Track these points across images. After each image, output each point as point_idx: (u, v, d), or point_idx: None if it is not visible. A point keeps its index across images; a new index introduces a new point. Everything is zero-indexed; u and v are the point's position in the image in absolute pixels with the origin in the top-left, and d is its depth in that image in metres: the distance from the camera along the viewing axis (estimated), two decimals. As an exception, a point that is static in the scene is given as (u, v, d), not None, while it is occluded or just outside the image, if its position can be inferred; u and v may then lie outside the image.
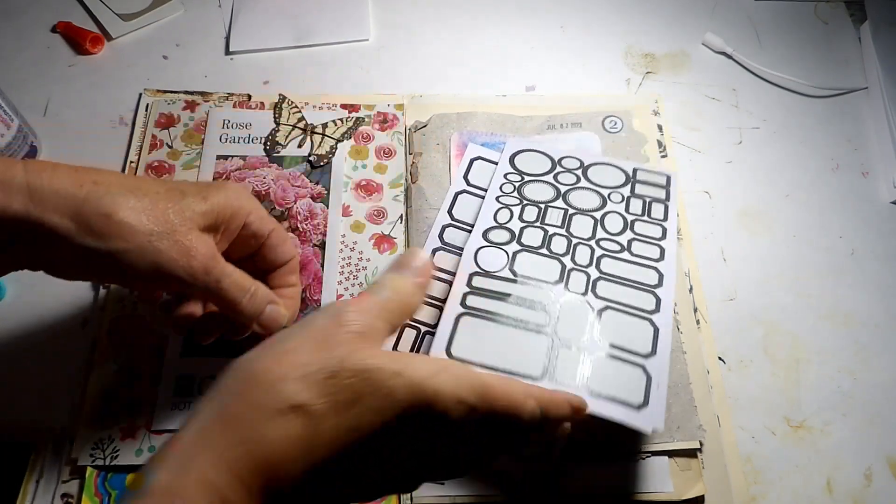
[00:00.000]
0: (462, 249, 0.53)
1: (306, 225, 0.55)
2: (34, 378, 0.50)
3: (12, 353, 0.51)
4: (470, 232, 0.54)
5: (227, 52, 0.66)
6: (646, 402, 0.43)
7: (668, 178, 0.55)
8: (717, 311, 0.54)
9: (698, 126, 0.63)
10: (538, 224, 0.51)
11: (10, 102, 0.56)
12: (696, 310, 0.53)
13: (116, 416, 0.47)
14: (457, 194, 0.56)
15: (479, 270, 0.48)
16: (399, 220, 0.56)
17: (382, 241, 0.55)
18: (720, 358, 0.53)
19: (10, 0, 0.68)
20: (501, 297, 0.47)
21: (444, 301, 0.51)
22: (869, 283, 0.56)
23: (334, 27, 0.67)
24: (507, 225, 0.51)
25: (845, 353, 0.53)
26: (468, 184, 0.57)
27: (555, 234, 0.50)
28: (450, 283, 0.52)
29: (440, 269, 0.53)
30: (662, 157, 0.60)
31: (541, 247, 0.50)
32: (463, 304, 0.47)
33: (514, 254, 0.49)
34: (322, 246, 0.54)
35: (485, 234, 0.51)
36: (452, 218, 0.55)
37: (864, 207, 0.60)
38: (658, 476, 0.46)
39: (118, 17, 0.67)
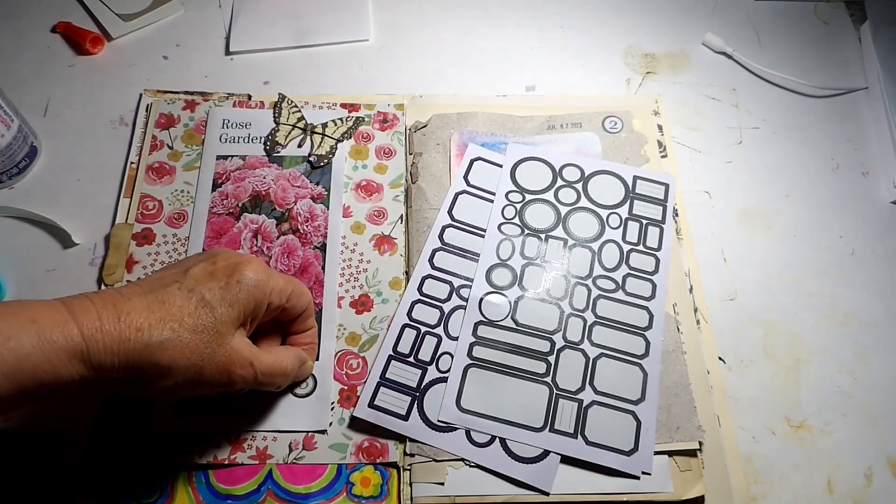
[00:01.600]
0: (462, 250, 0.54)
1: (307, 227, 0.55)
2: (35, 379, 0.50)
3: (13, 353, 0.51)
4: (470, 233, 0.55)
5: (227, 52, 0.66)
6: (636, 447, 0.47)
7: (667, 188, 0.57)
8: (717, 311, 0.54)
9: (698, 126, 0.63)
10: (539, 262, 0.53)
11: (10, 102, 0.56)
12: (696, 310, 0.53)
13: (119, 418, 0.47)
14: (457, 195, 0.56)
15: (483, 319, 0.51)
16: (399, 221, 0.56)
17: (383, 241, 0.55)
18: (720, 358, 0.53)
19: (10, 0, 0.68)
20: (504, 347, 0.50)
21: (444, 301, 0.52)
22: (869, 283, 0.56)
23: (334, 27, 0.67)
24: (509, 262, 0.53)
25: (845, 353, 0.53)
26: (468, 184, 0.57)
27: (554, 274, 0.53)
28: (450, 284, 0.52)
29: (440, 270, 0.53)
30: (662, 157, 0.60)
31: (541, 291, 0.52)
32: (469, 354, 0.50)
33: (516, 301, 0.51)
34: (322, 248, 0.54)
35: (488, 276, 0.52)
36: (453, 218, 0.55)
37: (864, 207, 0.60)
38: (658, 476, 0.46)
39: (118, 17, 0.67)
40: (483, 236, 0.54)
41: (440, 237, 0.54)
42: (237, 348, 0.39)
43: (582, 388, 0.49)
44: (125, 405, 0.48)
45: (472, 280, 0.53)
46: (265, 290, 0.41)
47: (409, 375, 0.49)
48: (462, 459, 0.47)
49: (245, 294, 0.40)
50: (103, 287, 0.52)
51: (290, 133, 0.59)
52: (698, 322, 0.53)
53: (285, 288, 0.43)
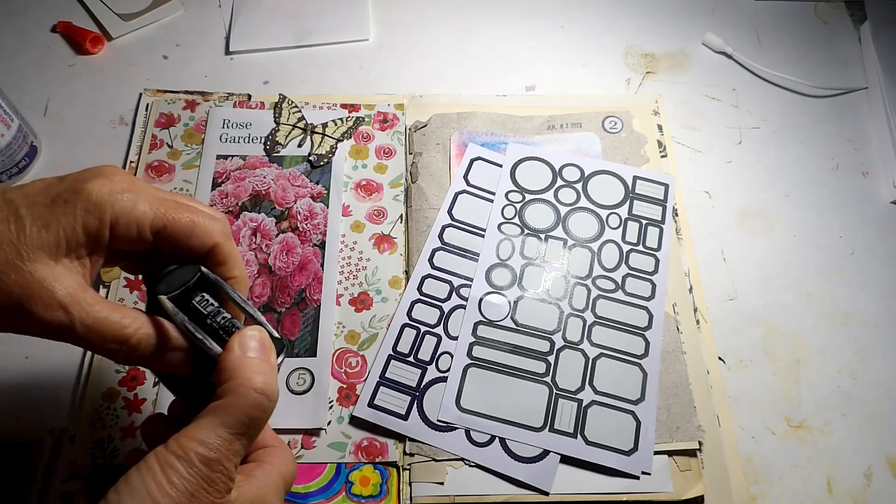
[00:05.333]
0: (462, 250, 0.54)
1: (306, 224, 0.55)
2: (34, 378, 0.50)
3: (13, 353, 0.51)
4: (470, 233, 0.55)
5: (227, 52, 0.66)
6: (636, 447, 0.47)
7: (667, 188, 0.57)
8: (717, 311, 0.54)
9: (698, 126, 0.63)
10: (538, 262, 0.53)
11: (10, 102, 0.56)
12: (696, 310, 0.53)
13: (116, 416, 0.47)
14: (457, 194, 0.56)
15: (483, 319, 0.51)
16: (399, 220, 0.56)
17: (382, 240, 0.55)
18: (720, 358, 0.53)
19: (10, 0, 0.68)
20: (504, 347, 0.50)
21: (444, 301, 0.52)
22: (869, 283, 0.56)
23: (334, 27, 0.67)
24: (508, 262, 0.53)
25: (845, 353, 0.53)
26: (468, 184, 0.57)
27: (554, 274, 0.53)
28: (450, 283, 0.52)
29: (440, 269, 0.53)
30: (662, 157, 0.60)
31: (541, 291, 0.52)
32: (469, 354, 0.50)
33: (516, 301, 0.51)
34: (322, 245, 0.54)
35: (487, 276, 0.52)
36: (452, 218, 0.55)
37: (864, 207, 0.60)
38: (658, 476, 0.46)
39: (118, 17, 0.67)
40: (483, 236, 0.54)
41: (440, 237, 0.54)
42: (43, 281, 0.31)
43: (581, 388, 0.49)
44: (121, 401, 0.48)
45: (471, 280, 0.53)
46: (104, 214, 0.32)
47: (409, 375, 0.49)
48: (462, 459, 0.46)
49: (71, 217, 0.31)
50: (103, 290, 0.52)
51: (290, 133, 0.59)
52: (698, 322, 0.53)
53: (159, 216, 0.33)
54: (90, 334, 0.32)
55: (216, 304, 0.35)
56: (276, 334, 0.35)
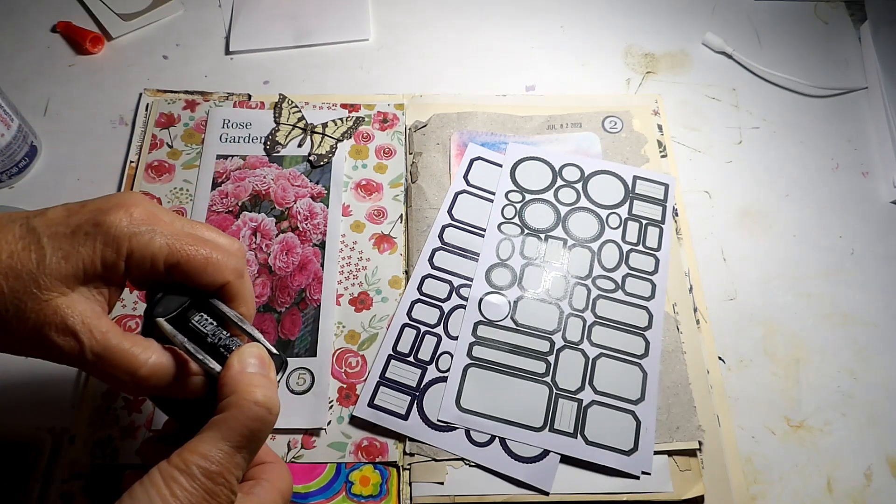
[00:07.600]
0: (462, 250, 0.54)
1: (306, 224, 0.55)
2: (34, 378, 0.50)
3: (12, 352, 0.51)
4: (470, 233, 0.55)
5: (227, 52, 0.66)
6: (635, 447, 0.47)
7: (667, 188, 0.57)
8: (717, 311, 0.54)
9: (698, 126, 0.63)
10: (538, 262, 0.53)
11: (10, 102, 0.56)
12: (696, 310, 0.53)
13: (116, 416, 0.47)
14: (457, 194, 0.56)
15: (483, 319, 0.51)
16: (399, 220, 0.56)
17: (382, 240, 0.55)
18: (720, 358, 0.53)
19: (10, 0, 0.68)
20: (504, 347, 0.50)
21: (444, 301, 0.52)
22: (869, 283, 0.56)
23: (334, 27, 0.67)
24: (508, 262, 0.53)
25: (845, 353, 0.53)
26: (468, 184, 0.57)
27: (554, 274, 0.53)
28: (450, 283, 0.52)
29: (440, 269, 0.53)
30: (662, 156, 0.60)
31: (541, 291, 0.52)
32: (469, 354, 0.50)
33: (516, 301, 0.51)
34: (322, 245, 0.54)
35: (487, 276, 0.52)
36: (452, 218, 0.55)
37: (864, 207, 0.60)
38: (658, 476, 0.46)
39: (118, 17, 0.67)
40: (483, 236, 0.54)
41: (440, 237, 0.54)
42: (58, 308, 0.32)
43: (581, 388, 0.49)
44: (121, 401, 0.48)
45: (471, 280, 0.53)
46: (121, 247, 0.33)
47: (409, 375, 0.49)
48: (462, 459, 0.46)
49: (90, 249, 0.32)
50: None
51: (290, 133, 0.59)
52: (698, 322, 0.53)
53: (174, 252, 0.34)
54: (100, 362, 0.32)
55: (215, 322, 0.35)
56: (275, 351, 0.35)
